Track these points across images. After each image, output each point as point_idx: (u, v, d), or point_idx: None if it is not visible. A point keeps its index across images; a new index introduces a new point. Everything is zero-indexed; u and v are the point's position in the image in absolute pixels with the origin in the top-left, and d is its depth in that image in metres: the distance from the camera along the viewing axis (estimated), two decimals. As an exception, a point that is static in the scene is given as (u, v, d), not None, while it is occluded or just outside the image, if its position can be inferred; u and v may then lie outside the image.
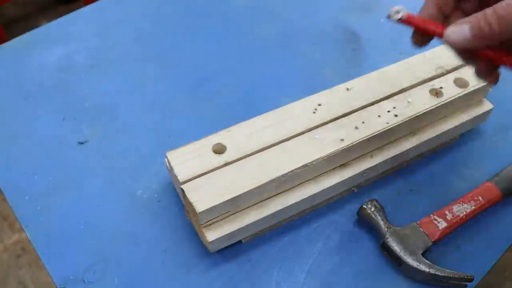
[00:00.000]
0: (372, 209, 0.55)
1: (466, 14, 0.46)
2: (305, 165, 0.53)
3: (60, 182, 0.60)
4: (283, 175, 0.52)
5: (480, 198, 0.55)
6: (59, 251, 0.54)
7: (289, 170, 0.52)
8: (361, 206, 0.55)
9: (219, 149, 0.54)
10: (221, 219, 0.52)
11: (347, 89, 0.59)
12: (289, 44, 0.77)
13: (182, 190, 0.51)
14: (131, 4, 0.83)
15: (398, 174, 0.61)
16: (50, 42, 0.76)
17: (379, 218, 0.54)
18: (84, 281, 0.52)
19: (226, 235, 0.51)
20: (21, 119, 0.66)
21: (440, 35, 0.43)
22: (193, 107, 0.68)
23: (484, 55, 0.43)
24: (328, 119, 0.56)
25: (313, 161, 0.53)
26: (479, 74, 0.46)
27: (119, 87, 0.70)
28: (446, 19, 0.47)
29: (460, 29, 0.41)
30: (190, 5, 0.83)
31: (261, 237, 0.55)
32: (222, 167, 0.52)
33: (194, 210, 0.50)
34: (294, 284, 0.52)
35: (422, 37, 0.47)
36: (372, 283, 0.52)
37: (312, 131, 0.56)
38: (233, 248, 0.54)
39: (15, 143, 0.64)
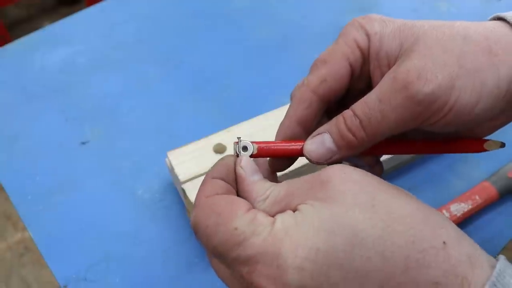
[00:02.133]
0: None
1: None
2: (305, 165, 0.53)
3: (62, 182, 0.60)
4: (283, 175, 0.53)
5: (477, 197, 0.56)
6: (62, 250, 0.55)
7: (289, 170, 0.52)
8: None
9: (219, 149, 0.54)
10: (222, 218, 0.52)
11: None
12: (289, 45, 0.77)
13: (183, 190, 0.51)
14: (133, 6, 0.83)
15: (396, 174, 0.61)
16: (52, 44, 0.77)
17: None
18: (86, 279, 0.53)
19: (226, 234, 0.52)
20: (24, 120, 0.67)
21: (300, 154, 0.35)
22: (194, 107, 0.68)
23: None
24: (327, 119, 0.57)
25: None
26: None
27: (121, 88, 0.71)
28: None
29: (318, 141, 0.34)
30: (191, 7, 0.83)
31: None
32: (222, 167, 0.53)
33: (194, 209, 0.50)
34: (294, 282, 0.52)
35: (283, 161, 0.38)
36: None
37: (312, 131, 0.56)
38: (233, 247, 0.55)
39: (18, 143, 0.64)
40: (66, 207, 0.58)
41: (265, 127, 0.56)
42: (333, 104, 0.38)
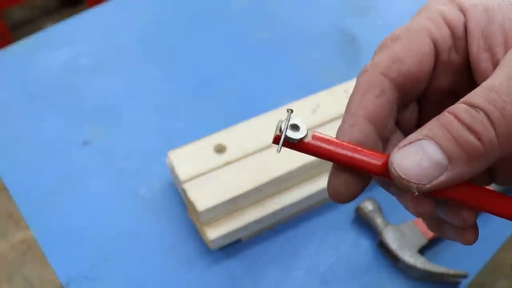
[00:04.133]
0: (370, 208, 0.56)
1: (405, 132, 0.28)
2: (305, 165, 0.54)
3: (65, 182, 0.61)
4: (283, 175, 0.53)
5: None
6: (64, 249, 0.55)
7: (289, 170, 0.53)
8: (359, 205, 0.56)
9: (220, 149, 0.55)
10: (222, 218, 0.53)
11: (344, 91, 0.60)
12: (289, 45, 0.78)
13: (184, 189, 0.52)
14: (135, 7, 0.84)
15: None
16: (55, 44, 0.77)
17: (376, 216, 0.55)
18: (88, 278, 0.53)
19: (226, 233, 0.52)
20: (26, 120, 0.68)
21: (380, 171, 0.24)
22: (195, 108, 0.69)
23: (460, 199, 0.24)
24: (327, 119, 0.57)
25: (312, 161, 0.54)
26: (454, 235, 0.26)
27: (123, 88, 0.72)
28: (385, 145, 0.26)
29: (414, 151, 0.22)
30: (192, 9, 0.84)
31: (260, 235, 0.56)
32: (222, 167, 0.54)
33: (195, 209, 0.51)
34: (293, 280, 0.53)
35: (351, 178, 0.25)
36: (369, 280, 0.53)
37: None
38: (233, 246, 0.55)
39: (20, 143, 0.65)
40: (68, 206, 0.59)
41: (265, 127, 0.57)
42: (410, 108, 0.27)
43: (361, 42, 0.77)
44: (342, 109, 0.56)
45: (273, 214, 0.54)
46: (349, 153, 0.24)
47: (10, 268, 1.30)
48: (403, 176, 0.22)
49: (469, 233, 0.26)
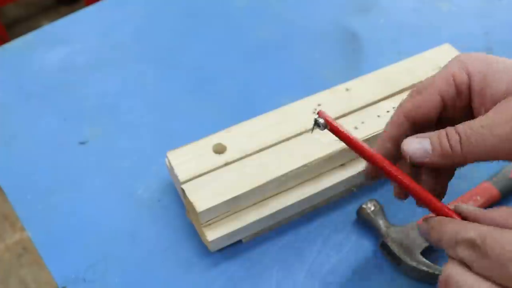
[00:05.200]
0: (372, 209, 0.55)
1: None
2: (305, 165, 0.53)
3: (61, 182, 0.60)
4: (283, 175, 0.52)
5: (478, 197, 0.56)
6: (60, 250, 0.55)
7: (289, 170, 0.52)
8: (361, 206, 0.55)
9: (219, 149, 0.54)
10: (221, 219, 0.52)
11: (347, 90, 0.59)
12: (289, 44, 0.77)
13: (183, 190, 0.51)
14: (131, 5, 0.83)
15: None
16: (51, 43, 0.77)
17: (379, 218, 0.54)
18: (85, 280, 0.52)
19: (226, 234, 0.52)
20: (22, 119, 0.67)
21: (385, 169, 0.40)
22: (194, 107, 0.68)
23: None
24: (328, 119, 0.57)
25: (313, 161, 0.53)
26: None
27: (120, 87, 0.71)
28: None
29: (418, 141, 0.39)
30: (191, 7, 0.83)
31: (261, 237, 0.56)
32: (222, 167, 0.53)
33: (194, 209, 0.50)
34: (294, 282, 0.52)
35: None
36: (371, 282, 0.52)
37: (312, 131, 0.56)
38: (233, 247, 0.55)
39: (16, 143, 0.64)
40: (64, 207, 0.58)
41: (265, 127, 0.56)
42: (426, 128, 0.42)
43: (362, 40, 0.77)
44: (343, 108, 0.57)
45: (274, 215, 0.53)
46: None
47: (5, 270, 1.29)
48: (405, 150, 0.39)
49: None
